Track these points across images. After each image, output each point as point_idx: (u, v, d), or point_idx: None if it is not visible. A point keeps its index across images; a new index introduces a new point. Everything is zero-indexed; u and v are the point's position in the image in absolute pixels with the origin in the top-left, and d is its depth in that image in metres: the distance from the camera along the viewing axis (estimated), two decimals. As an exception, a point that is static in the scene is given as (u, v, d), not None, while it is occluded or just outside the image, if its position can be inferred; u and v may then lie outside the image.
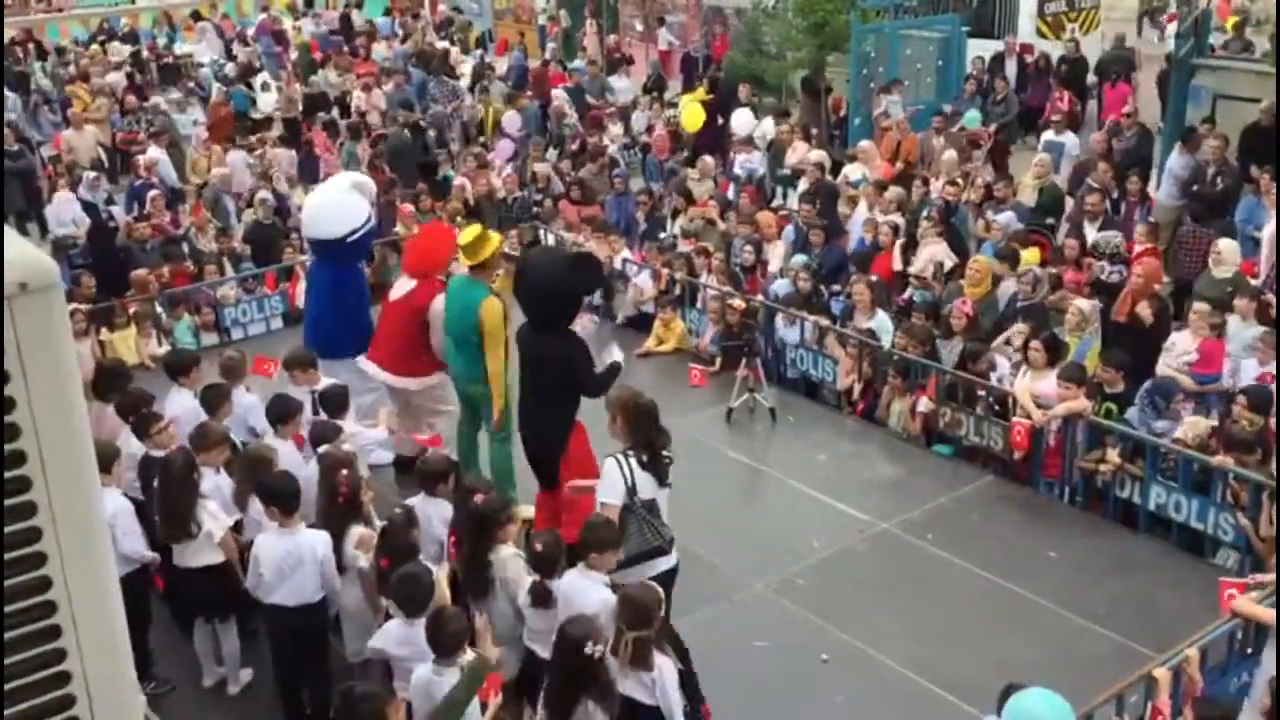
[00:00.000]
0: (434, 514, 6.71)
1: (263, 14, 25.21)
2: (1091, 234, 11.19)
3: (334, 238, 8.52)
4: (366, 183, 9.25)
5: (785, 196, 14.40)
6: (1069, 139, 14.46)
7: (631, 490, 6.08)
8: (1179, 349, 9.02)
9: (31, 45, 22.48)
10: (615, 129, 17.12)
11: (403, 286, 8.55)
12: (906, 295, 10.70)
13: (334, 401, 7.71)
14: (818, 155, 14.30)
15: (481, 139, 17.44)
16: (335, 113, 18.48)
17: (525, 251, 7.89)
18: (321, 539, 6.34)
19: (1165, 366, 8.96)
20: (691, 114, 15.61)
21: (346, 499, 6.52)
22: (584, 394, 7.31)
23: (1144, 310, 9.42)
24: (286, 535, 6.31)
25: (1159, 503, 8.05)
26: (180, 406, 7.82)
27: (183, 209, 14.13)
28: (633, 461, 6.15)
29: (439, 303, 8.22)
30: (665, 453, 6.27)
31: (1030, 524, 8.45)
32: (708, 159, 14.60)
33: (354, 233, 8.50)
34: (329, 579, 6.39)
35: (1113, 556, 7.96)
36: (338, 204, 8.62)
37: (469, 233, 8.07)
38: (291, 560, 6.29)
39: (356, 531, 6.46)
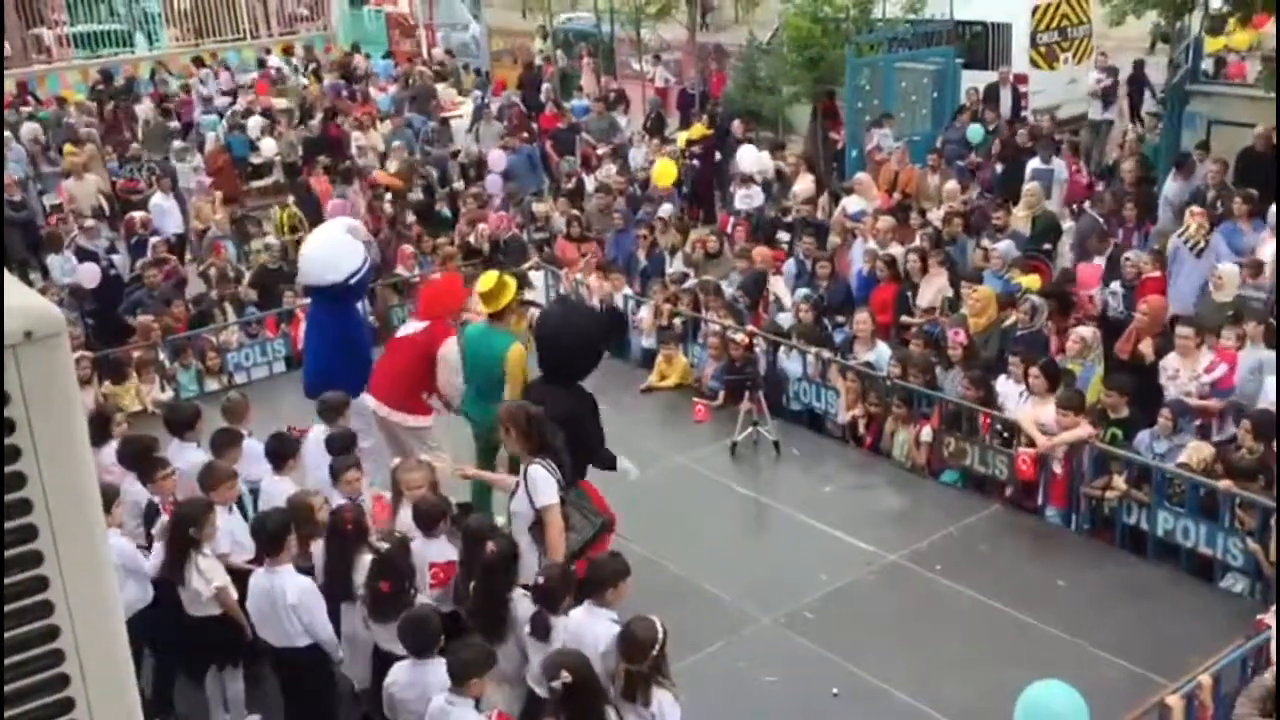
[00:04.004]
0: (432, 554, 6.69)
1: (262, 61, 25.41)
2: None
3: (336, 282, 8.57)
4: (359, 227, 9.37)
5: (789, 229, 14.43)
6: (1057, 165, 14.53)
7: (562, 487, 6.55)
8: (1185, 373, 9.00)
9: (30, 97, 22.63)
10: (610, 167, 17.17)
11: (412, 326, 8.64)
12: (912, 331, 10.71)
13: (340, 446, 7.66)
14: (805, 191, 14.38)
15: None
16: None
17: (548, 305, 8.13)
18: (297, 585, 6.29)
19: (1180, 392, 8.93)
20: (664, 170, 15.68)
21: (353, 530, 6.53)
22: (588, 449, 7.41)
23: (1146, 348, 9.43)
24: (268, 575, 6.33)
25: (1167, 528, 8.03)
26: (184, 461, 7.79)
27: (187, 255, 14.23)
28: (549, 463, 6.57)
29: (450, 346, 8.29)
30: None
31: (1038, 553, 8.42)
32: (668, 206, 14.65)
33: (354, 274, 8.56)
34: (311, 626, 6.33)
35: (1122, 583, 7.93)
36: (336, 249, 8.62)
37: (487, 280, 8.15)
38: (268, 601, 6.32)
39: (365, 560, 6.47)
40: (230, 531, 6.94)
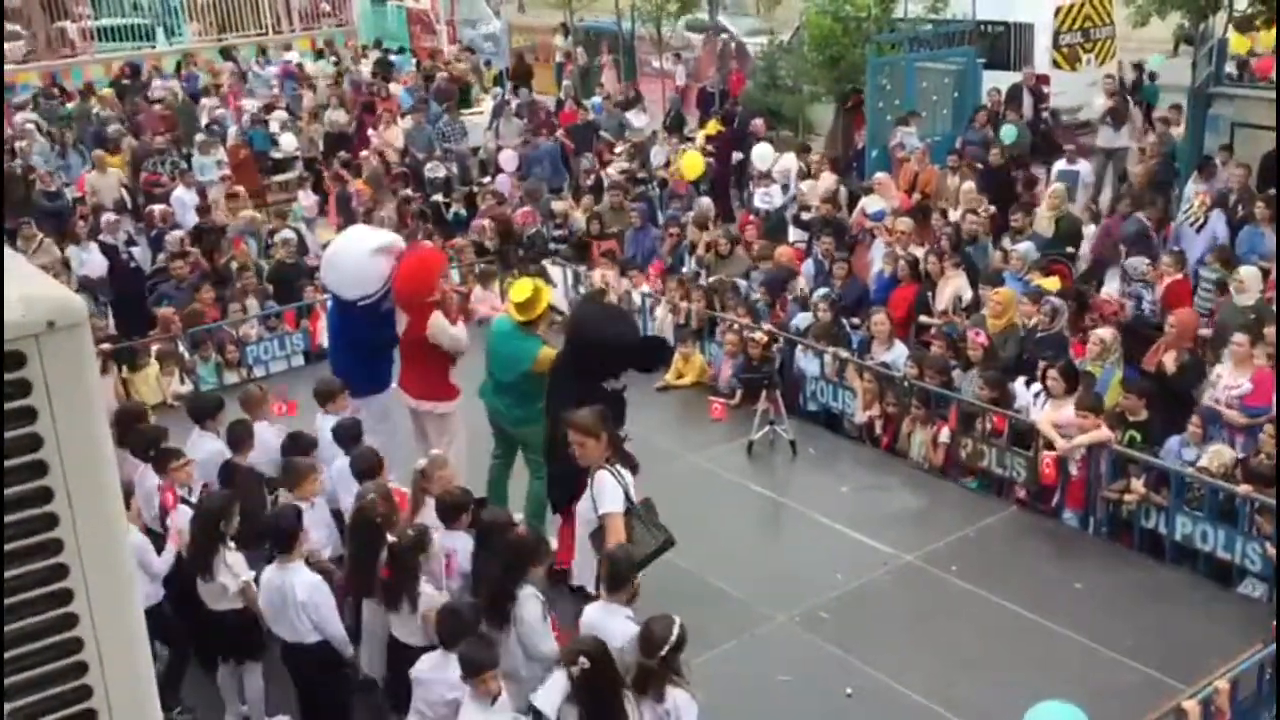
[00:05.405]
0: (456, 547, 6.72)
1: (285, 56, 25.49)
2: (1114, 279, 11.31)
3: (346, 299, 8.58)
4: (394, 245, 8.70)
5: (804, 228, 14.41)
6: (1082, 167, 14.45)
7: (627, 495, 6.38)
8: (1223, 381, 8.93)
9: (56, 89, 22.80)
10: (622, 164, 17.17)
11: (400, 322, 8.53)
12: (932, 332, 10.67)
13: (346, 434, 7.73)
14: (816, 189, 14.35)
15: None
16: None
17: (586, 302, 8.05)
18: (307, 582, 6.31)
19: (1212, 400, 8.87)
20: (691, 162, 15.63)
21: (381, 523, 6.58)
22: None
23: (1168, 359, 9.35)
24: (279, 572, 6.35)
25: (1185, 532, 7.99)
26: (204, 451, 7.87)
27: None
28: (618, 468, 6.45)
29: (434, 324, 8.28)
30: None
31: (1055, 555, 8.39)
32: (704, 201, 14.61)
33: (366, 298, 8.43)
34: (321, 624, 6.36)
35: (1139, 587, 7.89)
36: (358, 269, 8.44)
37: (522, 289, 8.17)
38: (279, 598, 6.35)
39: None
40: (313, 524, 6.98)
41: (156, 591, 6.76)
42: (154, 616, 6.38)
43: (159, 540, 6.99)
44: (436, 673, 5.74)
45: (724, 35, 23.90)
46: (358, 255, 8.50)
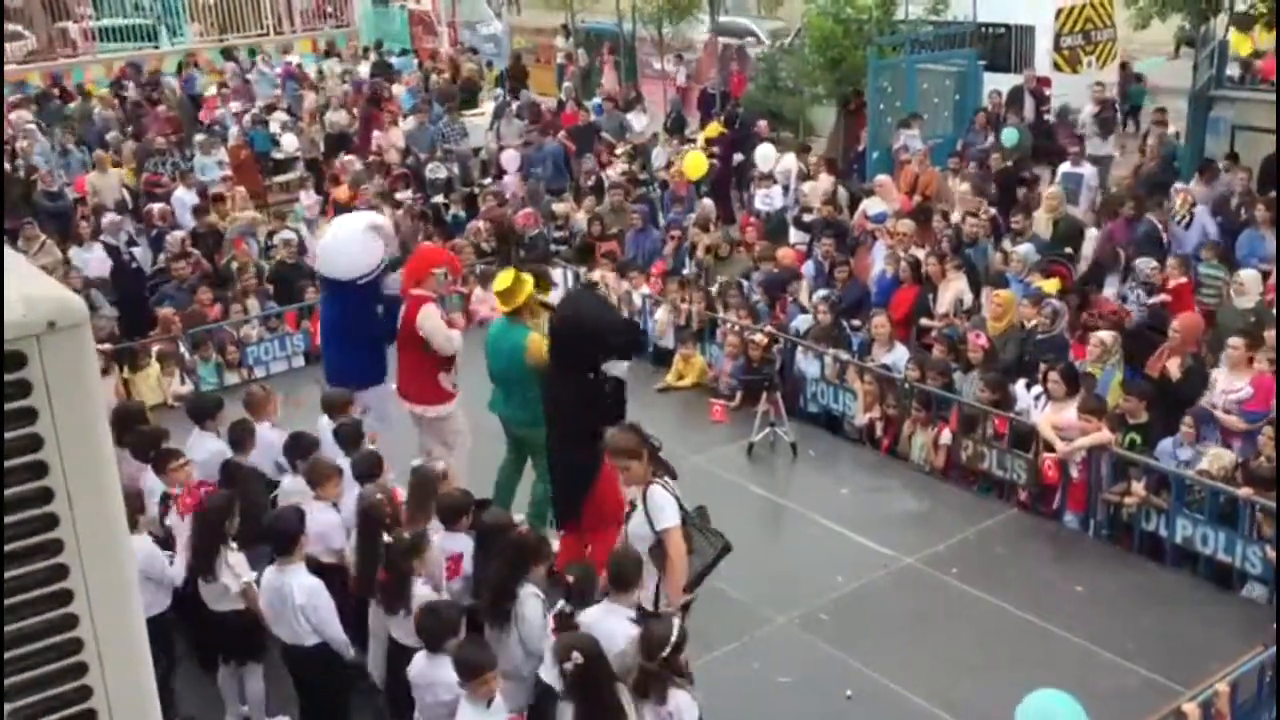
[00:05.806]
0: (460, 549, 6.71)
1: (286, 57, 25.50)
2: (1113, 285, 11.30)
3: (345, 279, 8.57)
4: (384, 225, 9.01)
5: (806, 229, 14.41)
6: (1087, 170, 14.44)
7: (680, 505, 6.22)
8: (1220, 385, 8.91)
9: (57, 90, 22.81)
10: (622, 165, 17.17)
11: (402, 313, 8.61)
12: (933, 334, 10.66)
13: (347, 436, 7.74)
14: (817, 190, 14.34)
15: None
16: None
17: (573, 291, 7.99)
18: (305, 585, 6.31)
19: (1211, 405, 8.86)
20: (694, 162, 15.59)
21: (389, 523, 6.59)
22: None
23: (1172, 366, 9.34)
24: (279, 574, 6.36)
25: (1186, 535, 7.98)
26: (205, 450, 7.86)
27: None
28: (668, 482, 6.29)
29: (424, 316, 8.25)
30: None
31: (1056, 558, 8.39)
32: (707, 203, 14.61)
33: (364, 276, 8.45)
34: (320, 626, 6.36)
35: (1140, 590, 7.89)
36: (352, 246, 8.50)
37: (503, 279, 8.16)
38: (278, 599, 6.35)
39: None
40: (334, 524, 7.01)
41: (162, 601, 6.74)
42: (156, 624, 6.43)
43: (159, 544, 6.99)
44: (432, 674, 5.73)
45: (749, 38, 23.96)
46: (352, 235, 8.57)
